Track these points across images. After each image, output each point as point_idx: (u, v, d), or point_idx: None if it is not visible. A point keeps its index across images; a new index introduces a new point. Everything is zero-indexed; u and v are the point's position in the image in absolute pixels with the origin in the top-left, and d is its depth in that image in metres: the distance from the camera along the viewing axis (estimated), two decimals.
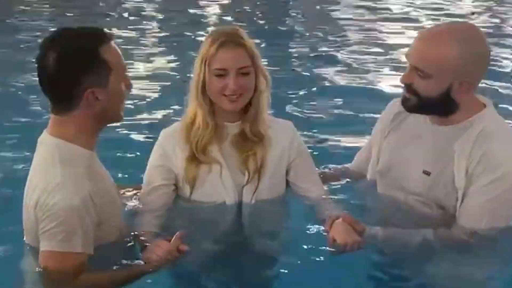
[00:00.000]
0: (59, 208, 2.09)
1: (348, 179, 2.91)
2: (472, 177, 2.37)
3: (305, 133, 4.10)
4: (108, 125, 2.30)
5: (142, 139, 4.27)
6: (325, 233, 2.34)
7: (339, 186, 2.88)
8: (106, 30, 2.21)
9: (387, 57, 6.71)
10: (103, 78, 2.14)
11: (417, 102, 2.42)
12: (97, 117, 2.19)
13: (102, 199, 2.18)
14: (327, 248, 2.29)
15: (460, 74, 2.35)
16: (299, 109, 5.01)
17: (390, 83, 5.56)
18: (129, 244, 2.39)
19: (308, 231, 2.58)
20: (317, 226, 2.52)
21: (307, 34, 8.09)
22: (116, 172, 2.81)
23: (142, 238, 2.39)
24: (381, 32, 8.12)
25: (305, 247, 2.54)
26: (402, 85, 2.45)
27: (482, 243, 2.42)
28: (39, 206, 2.12)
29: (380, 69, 6.29)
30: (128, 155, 3.89)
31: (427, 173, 2.47)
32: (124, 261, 2.30)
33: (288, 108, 4.94)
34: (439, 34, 2.37)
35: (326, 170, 2.94)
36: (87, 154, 2.21)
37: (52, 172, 2.13)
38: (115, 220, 2.30)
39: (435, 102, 2.40)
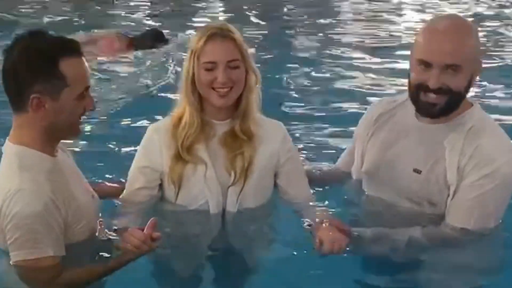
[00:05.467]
0: (21, 217, 2.07)
1: (335, 180, 2.89)
2: (464, 172, 2.38)
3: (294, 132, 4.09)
4: (63, 139, 2.27)
5: None
6: (312, 236, 2.33)
7: (327, 188, 2.85)
8: (78, 43, 2.17)
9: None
10: (54, 90, 2.10)
11: (446, 102, 2.37)
12: (46, 126, 2.15)
13: (66, 203, 2.16)
14: (314, 250, 2.28)
15: (477, 64, 2.39)
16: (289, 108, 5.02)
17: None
18: (104, 241, 2.36)
19: (294, 234, 2.57)
20: (303, 228, 2.49)
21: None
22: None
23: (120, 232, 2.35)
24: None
25: (291, 249, 2.53)
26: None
27: (470, 240, 2.42)
28: (2, 215, 2.10)
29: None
30: None
31: (417, 171, 2.47)
32: (99, 257, 2.31)
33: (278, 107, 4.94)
34: (456, 27, 2.38)
35: (314, 170, 2.91)
36: (47, 159, 2.18)
37: (12, 178, 2.11)
38: (85, 221, 2.26)
39: (461, 97, 2.40)
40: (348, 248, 2.28)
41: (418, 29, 2.49)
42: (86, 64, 2.16)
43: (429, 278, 2.44)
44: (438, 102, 2.36)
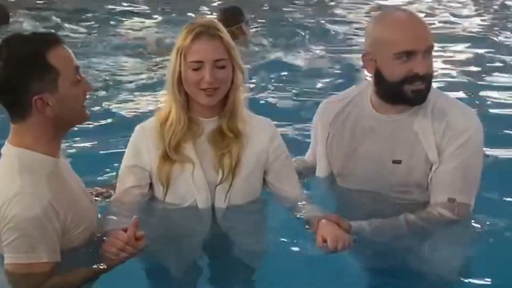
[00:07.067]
0: (18, 220, 2.06)
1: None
2: (441, 148, 2.46)
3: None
4: (72, 127, 2.27)
5: None
6: (313, 234, 2.30)
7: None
8: (55, 34, 2.22)
9: None
10: (50, 84, 2.11)
11: (427, 86, 2.46)
12: (55, 122, 2.16)
13: (66, 207, 2.14)
14: (316, 248, 2.25)
15: None
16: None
17: None
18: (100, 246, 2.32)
19: (284, 231, 2.57)
20: (293, 226, 2.49)
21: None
22: None
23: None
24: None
25: (281, 246, 2.53)
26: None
27: (458, 213, 2.46)
28: (1, 217, 2.09)
29: None
30: None
31: (398, 161, 2.52)
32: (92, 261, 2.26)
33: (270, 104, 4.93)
34: (413, 14, 2.52)
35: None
36: (50, 161, 2.17)
37: (11, 181, 2.10)
38: (85, 225, 2.24)
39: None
40: (351, 245, 2.25)
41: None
42: (66, 48, 2.19)
43: (422, 261, 2.47)
44: (423, 87, 2.44)
